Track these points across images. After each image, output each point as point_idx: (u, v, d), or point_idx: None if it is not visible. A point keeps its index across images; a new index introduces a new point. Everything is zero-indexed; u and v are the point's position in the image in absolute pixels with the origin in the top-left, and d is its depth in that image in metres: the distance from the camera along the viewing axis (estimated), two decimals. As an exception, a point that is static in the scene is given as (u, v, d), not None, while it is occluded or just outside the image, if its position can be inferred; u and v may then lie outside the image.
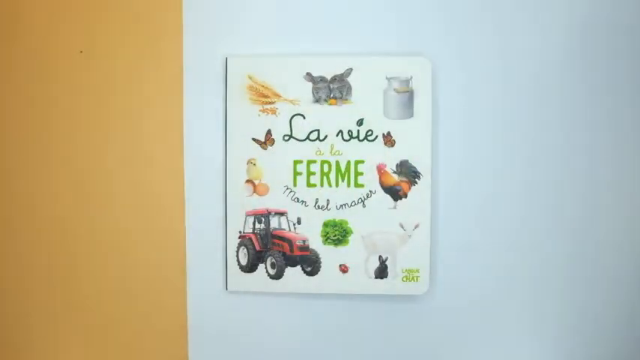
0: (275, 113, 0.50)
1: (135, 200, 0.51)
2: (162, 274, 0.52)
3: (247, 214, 0.50)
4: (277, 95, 0.50)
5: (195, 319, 0.51)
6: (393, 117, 0.49)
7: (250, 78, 0.50)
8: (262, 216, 0.50)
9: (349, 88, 0.49)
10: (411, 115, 0.49)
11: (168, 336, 0.51)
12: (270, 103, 0.50)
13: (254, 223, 0.50)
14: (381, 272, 0.50)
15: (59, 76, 0.51)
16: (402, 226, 0.49)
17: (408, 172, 0.49)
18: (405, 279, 0.50)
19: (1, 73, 0.52)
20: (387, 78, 0.49)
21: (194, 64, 0.50)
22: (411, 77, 0.49)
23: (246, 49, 0.50)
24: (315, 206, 0.50)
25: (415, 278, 0.50)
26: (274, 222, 0.50)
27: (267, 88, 0.50)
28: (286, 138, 0.50)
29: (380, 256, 0.50)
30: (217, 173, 0.50)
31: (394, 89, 0.49)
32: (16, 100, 0.52)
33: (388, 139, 0.49)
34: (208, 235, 0.50)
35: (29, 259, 0.52)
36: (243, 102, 0.50)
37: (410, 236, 0.49)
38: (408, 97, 0.49)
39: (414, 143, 0.49)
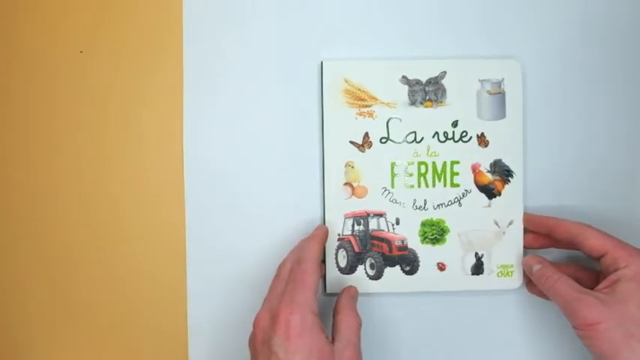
0: (372, 116, 0.50)
1: (136, 202, 0.51)
2: (162, 275, 0.52)
3: (346, 217, 0.51)
4: (374, 98, 0.50)
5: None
6: (486, 118, 0.51)
7: (346, 82, 0.50)
8: (361, 218, 0.51)
9: (444, 91, 0.51)
10: (503, 115, 0.51)
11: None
12: (367, 106, 0.50)
13: (353, 225, 0.51)
14: (477, 269, 0.51)
15: (59, 76, 0.51)
16: (497, 223, 0.51)
17: (502, 171, 0.51)
18: (500, 274, 0.51)
19: (1, 73, 0.51)
20: (479, 80, 0.51)
21: (195, 64, 0.51)
22: (503, 79, 0.51)
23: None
24: (412, 207, 0.51)
25: (509, 273, 0.51)
26: (373, 223, 0.51)
27: (363, 91, 0.50)
28: (383, 140, 0.51)
29: (476, 253, 0.51)
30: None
31: (487, 91, 0.51)
32: (15, 100, 0.51)
33: (482, 140, 0.51)
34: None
35: (28, 259, 0.51)
36: (340, 105, 0.50)
37: (504, 233, 0.51)
38: (500, 98, 0.51)
39: (506, 143, 0.51)
